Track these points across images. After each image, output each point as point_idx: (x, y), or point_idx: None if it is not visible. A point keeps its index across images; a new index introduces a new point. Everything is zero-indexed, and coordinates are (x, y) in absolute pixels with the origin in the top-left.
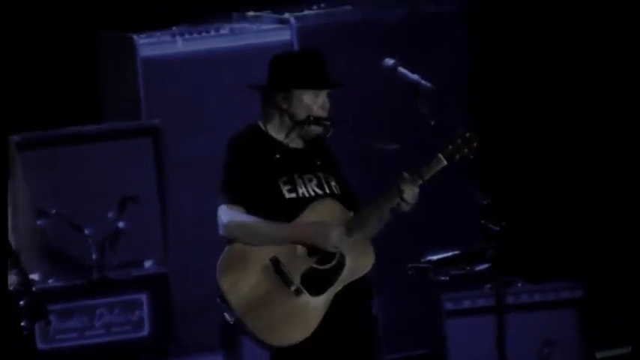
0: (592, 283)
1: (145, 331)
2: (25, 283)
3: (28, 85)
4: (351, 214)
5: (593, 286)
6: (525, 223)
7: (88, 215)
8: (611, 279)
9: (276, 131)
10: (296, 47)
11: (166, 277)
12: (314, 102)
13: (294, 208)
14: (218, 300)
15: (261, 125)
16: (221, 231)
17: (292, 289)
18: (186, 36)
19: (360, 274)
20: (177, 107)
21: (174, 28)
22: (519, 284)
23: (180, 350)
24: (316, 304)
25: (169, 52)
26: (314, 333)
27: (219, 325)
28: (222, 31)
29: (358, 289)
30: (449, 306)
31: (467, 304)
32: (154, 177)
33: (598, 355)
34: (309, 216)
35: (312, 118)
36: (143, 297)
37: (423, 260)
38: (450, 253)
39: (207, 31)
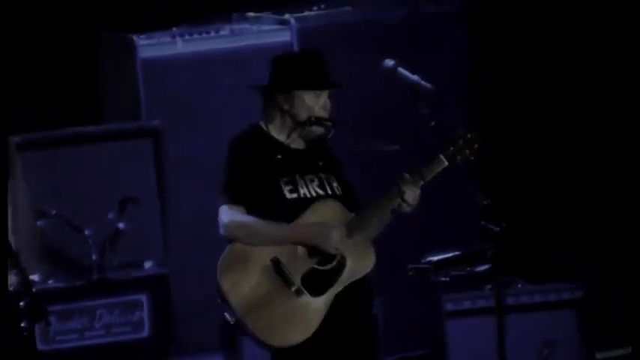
0: (592, 283)
1: (145, 332)
2: (26, 283)
3: (28, 85)
4: (352, 215)
5: (593, 286)
6: (525, 224)
7: (88, 216)
8: (611, 279)
9: (277, 132)
10: (296, 48)
11: (166, 278)
12: (315, 103)
13: (296, 209)
14: (219, 300)
15: (263, 126)
16: (222, 231)
17: (293, 289)
18: (187, 37)
19: (361, 275)
20: (177, 108)
21: (174, 28)
22: (519, 285)
23: (181, 351)
24: (317, 305)
25: (169, 52)
26: (314, 333)
27: (219, 325)
28: (222, 32)
29: (359, 289)
30: (449, 307)
31: (467, 304)
32: (154, 178)
33: (598, 355)
34: (310, 216)
35: (313, 119)
36: (143, 298)
37: (423, 261)
38: (450, 254)
39: (208, 32)
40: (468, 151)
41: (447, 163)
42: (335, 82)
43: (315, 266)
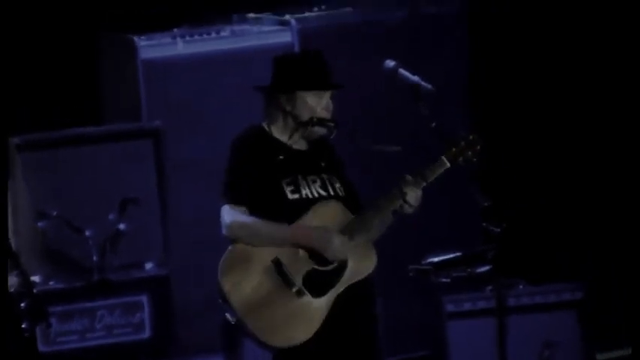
0: (592, 284)
1: (146, 333)
2: (27, 285)
3: (28, 86)
4: (354, 216)
5: (593, 287)
6: (525, 224)
7: (89, 217)
8: (611, 280)
9: (279, 132)
10: (297, 49)
11: (167, 279)
12: (317, 103)
13: (297, 209)
14: (220, 301)
15: (265, 126)
16: (224, 231)
17: (294, 290)
18: (187, 38)
19: (362, 276)
20: (177, 109)
21: (174, 29)
22: (520, 286)
23: (181, 352)
24: (318, 306)
25: (170, 53)
26: (316, 334)
27: (220, 326)
28: (222, 33)
29: (360, 290)
30: (450, 308)
31: (468, 306)
32: (155, 179)
33: (599, 356)
34: (311, 217)
35: (315, 120)
36: (144, 299)
37: (424, 262)
38: (451, 255)
39: (208, 33)
40: (470, 153)
41: (448, 165)
42: (337, 83)
43: (316, 267)
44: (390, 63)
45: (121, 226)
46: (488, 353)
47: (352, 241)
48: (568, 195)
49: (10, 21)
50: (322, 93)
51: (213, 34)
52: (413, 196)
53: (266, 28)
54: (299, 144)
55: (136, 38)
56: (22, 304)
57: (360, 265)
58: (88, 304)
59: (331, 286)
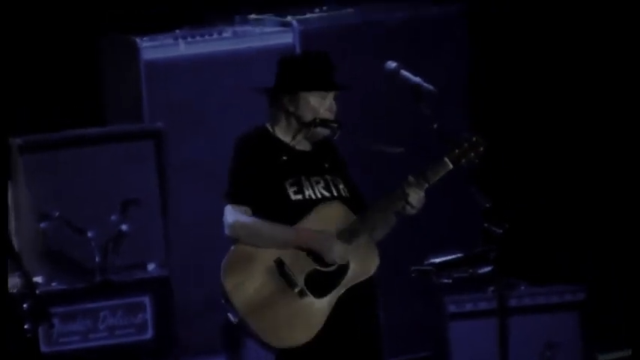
0: (594, 285)
1: (149, 334)
2: (29, 286)
3: (30, 87)
4: (355, 217)
5: (595, 288)
6: (526, 225)
7: (91, 218)
8: (612, 281)
9: (283, 133)
10: (298, 50)
11: (169, 280)
12: (321, 104)
13: (300, 210)
14: (222, 301)
15: (269, 127)
16: (227, 231)
17: (296, 290)
18: (189, 39)
19: (364, 277)
20: (179, 110)
21: (177, 31)
22: (522, 287)
23: (184, 353)
24: (320, 306)
25: (172, 54)
26: (318, 335)
27: (222, 327)
28: (224, 34)
29: (362, 291)
30: (451, 308)
31: (469, 306)
32: (156, 180)
33: (600, 358)
34: (314, 218)
35: (318, 120)
36: (146, 299)
37: (425, 263)
38: (452, 256)
39: (210, 34)
40: (473, 154)
41: (451, 166)
42: (341, 84)
43: (319, 268)
44: (392, 64)
45: (123, 227)
46: (489, 354)
47: (353, 243)
48: (568, 195)
49: (12, 22)
50: (325, 94)
51: (215, 35)
52: (415, 197)
53: (268, 30)
54: (302, 145)
55: (138, 39)
56: (25, 305)
57: (363, 266)
58: (91, 305)
59: (333, 286)
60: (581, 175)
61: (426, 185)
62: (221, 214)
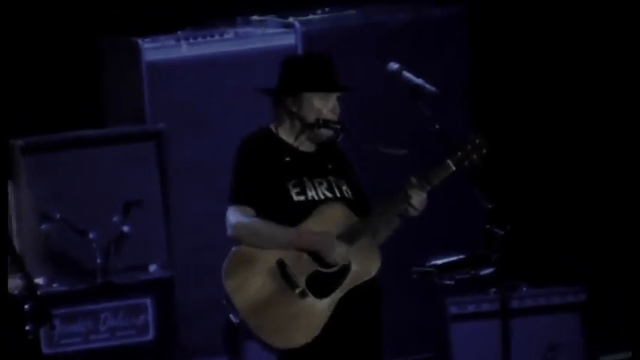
0: (595, 286)
1: (150, 336)
2: (30, 287)
3: (31, 88)
4: (357, 218)
5: (596, 289)
6: (526, 225)
7: (92, 219)
8: (612, 282)
9: (286, 134)
10: (300, 51)
11: (171, 281)
12: (324, 105)
13: (303, 211)
14: (224, 301)
15: (273, 128)
16: (229, 231)
17: (297, 291)
18: (191, 40)
19: (366, 279)
20: (181, 111)
21: (178, 32)
22: (524, 288)
23: (185, 354)
24: (321, 307)
25: (174, 56)
26: (319, 336)
27: (224, 328)
28: (226, 36)
29: (365, 291)
30: (453, 310)
31: (471, 308)
32: (158, 181)
33: (602, 359)
34: (315, 219)
35: (321, 122)
36: (147, 301)
37: (427, 264)
38: (454, 258)
39: (212, 36)
40: (475, 156)
41: (454, 168)
42: (344, 85)
43: (320, 269)
44: (394, 65)
45: (125, 229)
46: (491, 355)
47: (354, 244)
48: (568, 196)
49: (13, 22)
50: (329, 95)
51: (217, 37)
52: (417, 199)
53: (270, 31)
54: (306, 146)
55: (139, 40)
56: (26, 307)
57: (364, 267)
58: (92, 307)
59: (335, 287)
60: (581, 176)
61: (429, 187)
62: (223, 215)
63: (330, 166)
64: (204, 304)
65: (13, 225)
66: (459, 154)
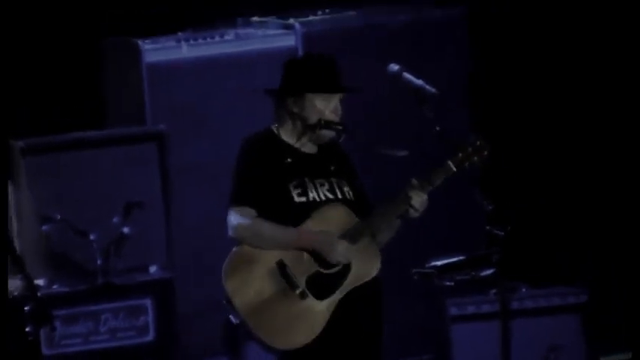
0: (596, 287)
1: (150, 336)
2: (31, 288)
3: (31, 89)
4: (358, 219)
5: (596, 290)
6: (526, 226)
7: (93, 221)
8: (613, 283)
9: (288, 135)
10: (301, 53)
11: (171, 282)
12: (326, 106)
13: (304, 212)
14: (224, 302)
15: (274, 129)
16: (230, 232)
17: (297, 292)
18: (191, 41)
19: (366, 280)
20: (181, 112)
21: (179, 33)
22: (524, 289)
23: (185, 355)
24: (321, 308)
25: (174, 57)
26: (320, 337)
27: (224, 329)
28: (227, 37)
29: (364, 293)
30: (453, 311)
31: (471, 309)
32: (159, 182)
33: None
34: (316, 220)
35: (323, 122)
36: (148, 302)
37: (427, 265)
38: (454, 259)
39: (212, 37)
40: (476, 158)
41: (455, 170)
42: (346, 86)
43: (320, 270)
44: (394, 67)
45: (125, 230)
46: (492, 357)
47: (355, 244)
48: (568, 197)
49: (13, 23)
50: (331, 96)
51: (218, 38)
52: (418, 200)
53: (270, 32)
54: (308, 147)
55: (140, 42)
56: (26, 308)
57: (364, 268)
58: (92, 308)
59: (335, 288)
60: (580, 177)
61: (430, 188)
62: (223, 216)
63: (331, 168)
64: (204, 304)
65: (14, 226)
66: (460, 155)
